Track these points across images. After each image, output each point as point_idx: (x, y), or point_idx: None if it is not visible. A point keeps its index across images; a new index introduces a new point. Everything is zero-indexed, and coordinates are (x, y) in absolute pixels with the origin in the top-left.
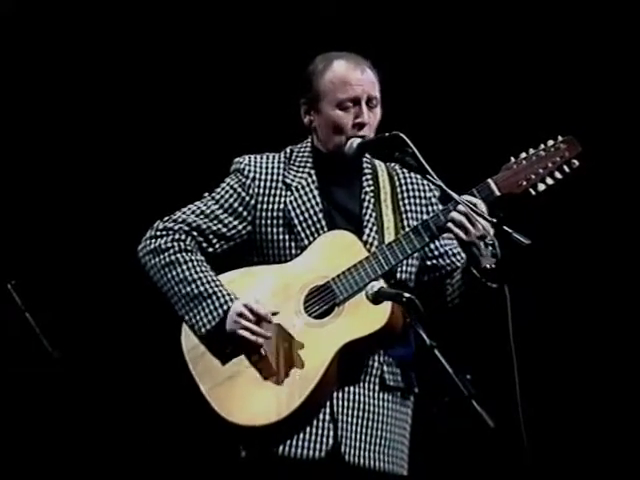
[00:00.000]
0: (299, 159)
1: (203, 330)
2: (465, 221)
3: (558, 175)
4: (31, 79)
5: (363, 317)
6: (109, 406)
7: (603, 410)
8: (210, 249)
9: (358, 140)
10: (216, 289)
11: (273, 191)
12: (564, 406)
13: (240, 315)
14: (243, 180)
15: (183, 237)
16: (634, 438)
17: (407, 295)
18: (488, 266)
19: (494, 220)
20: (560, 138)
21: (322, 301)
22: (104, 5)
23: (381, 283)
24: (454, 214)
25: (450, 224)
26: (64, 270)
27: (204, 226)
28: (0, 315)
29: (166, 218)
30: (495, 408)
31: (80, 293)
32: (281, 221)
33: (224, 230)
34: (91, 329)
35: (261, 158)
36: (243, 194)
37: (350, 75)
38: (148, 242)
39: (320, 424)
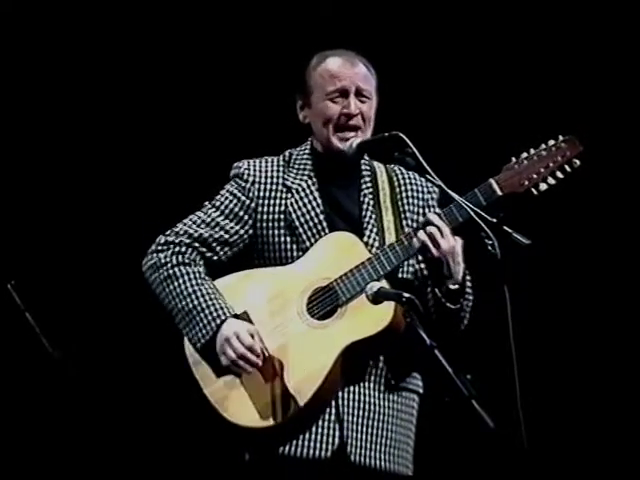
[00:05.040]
0: (298, 161)
1: (199, 345)
2: (427, 241)
3: (560, 174)
4: (30, 78)
5: (366, 318)
6: (111, 408)
7: (603, 410)
8: (215, 257)
9: (358, 140)
10: (209, 302)
11: (273, 194)
12: (564, 406)
13: (227, 341)
14: (243, 184)
15: (183, 250)
16: (634, 438)
17: (407, 295)
18: (451, 287)
19: (494, 220)
20: (561, 137)
21: (325, 302)
22: (103, 5)
23: (382, 283)
24: (420, 233)
25: (414, 241)
26: (64, 270)
27: (206, 235)
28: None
29: (168, 232)
30: (495, 408)
31: (80, 293)
32: (282, 223)
33: (226, 236)
34: (91, 329)
35: (260, 162)
36: (243, 198)
37: (339, 68)
38: (150, 257)
39: (325, 424)
